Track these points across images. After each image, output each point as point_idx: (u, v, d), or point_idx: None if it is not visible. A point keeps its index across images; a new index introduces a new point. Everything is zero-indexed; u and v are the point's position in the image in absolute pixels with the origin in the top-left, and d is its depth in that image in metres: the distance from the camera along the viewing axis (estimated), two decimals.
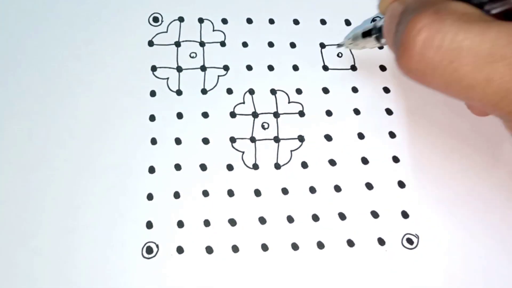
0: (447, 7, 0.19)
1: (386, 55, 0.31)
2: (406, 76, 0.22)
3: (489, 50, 0.18)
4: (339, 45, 0.31)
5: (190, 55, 0.31)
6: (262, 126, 0.29)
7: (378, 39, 0.26)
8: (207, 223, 0.27)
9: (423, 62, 0.20)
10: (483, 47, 0.19)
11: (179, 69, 0.31)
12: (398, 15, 0.21)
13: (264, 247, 0.27)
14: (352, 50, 0.31)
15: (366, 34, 0.27)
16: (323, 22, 0.32)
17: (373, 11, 0.32)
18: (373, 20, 0.31)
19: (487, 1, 0.19)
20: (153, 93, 0.30)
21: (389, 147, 0.29)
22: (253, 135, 0.29)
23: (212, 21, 0.32)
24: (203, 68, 0.31)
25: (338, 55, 0.31)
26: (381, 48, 0.31)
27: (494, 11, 0.19)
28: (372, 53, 0.31)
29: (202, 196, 0.27)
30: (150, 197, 0.27)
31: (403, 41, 0.20)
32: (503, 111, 0.20)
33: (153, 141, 0.29)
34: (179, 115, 0.29)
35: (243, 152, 0.29)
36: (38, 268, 0.26)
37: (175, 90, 0.30)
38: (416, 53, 0.20)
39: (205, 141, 0.29)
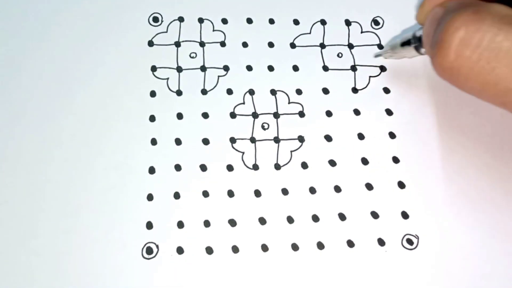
0: (488, 9, 0.19)
1: None
2: (440, 77, 0.21)
3: None
4: (377, 55, 0.30)
5: (190, 55, 0.31)
6: (262, 127, 0.29)
7: (417, 49, 0.25)
8: (207, 223, 0.27)
9: (459, 61, 0.19)
10: None
11: (179, 69, 0.31)
12: (438, 18, 0.21)
13: (264, 248, 0.27)
14: (388, 59, 0.30)
15: (405, 43, 0.26)
16: (323, 22, 0.32)
17: (374, 11, 0.32)
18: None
19: None
20: (153, 93, 0.30)
21: (389, 148, 0.29)
22: (253, 136, 0.29)
23: (212, 21, 0.32)
24: (203, 68, 0.31)
25: (338, 55, 0.31)
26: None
27: None
28: (372, 54, 0.31)
29: (202, 197, 0.27)
30: (150, 197, 0.27)
31: (439, 39, 0.20)
32: None
33: (153, 142, 0.29)
34: (179, 116, 0.29)
35: (243, 153, 0.28)
36: (37, 269, 0.26)
37: (175, 90, 0.30)
38: (452, 51, 0.19)
39: (205, 141, 0.29)
